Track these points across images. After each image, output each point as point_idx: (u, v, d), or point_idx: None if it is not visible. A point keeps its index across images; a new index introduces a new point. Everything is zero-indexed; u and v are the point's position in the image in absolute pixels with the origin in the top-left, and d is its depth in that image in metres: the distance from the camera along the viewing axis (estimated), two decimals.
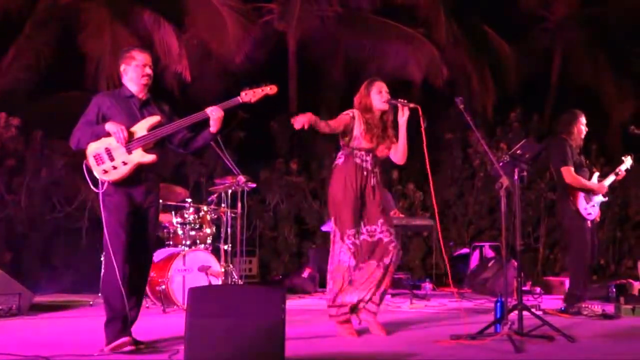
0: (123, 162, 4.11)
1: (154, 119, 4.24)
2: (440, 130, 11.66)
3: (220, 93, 11.49)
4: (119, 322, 4.07)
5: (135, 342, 4.17)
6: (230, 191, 6.98)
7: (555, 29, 14.34)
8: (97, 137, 4.14)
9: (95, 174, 4.12)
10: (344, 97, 13.15)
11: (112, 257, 4.05)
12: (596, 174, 6.30)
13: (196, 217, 6.76)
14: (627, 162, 6.45)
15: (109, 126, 4.11)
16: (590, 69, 13.84)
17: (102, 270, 4.07)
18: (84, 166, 4.14)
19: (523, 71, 13.57)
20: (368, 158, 4.86)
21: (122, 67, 4.33)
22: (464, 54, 12.98)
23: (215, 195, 7.16)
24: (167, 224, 6.85)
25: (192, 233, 6.70)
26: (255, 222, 10.48)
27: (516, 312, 4.61)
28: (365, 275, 4.72)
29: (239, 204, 6.80)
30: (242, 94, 4.38)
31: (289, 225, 10.74)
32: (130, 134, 4.13)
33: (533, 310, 5.05)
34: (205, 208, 6.89)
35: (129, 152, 4.12)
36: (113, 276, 4.05)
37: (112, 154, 4.11)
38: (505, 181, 4.64)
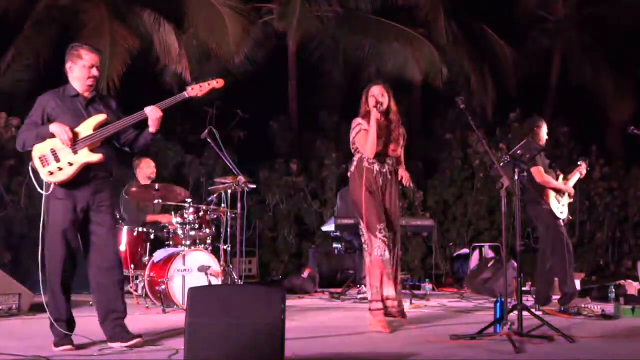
0: (69, 162, 4.09)
1: (100, 117, 4.21)
2: (439, 130, 11.68)
3: (220, 93, 11.50)
4: (64, 325, 4.16)
5: (133, 337, 4.20)
6: (230, 191, 6.98)
7: (555, 29, 14.34)
8: (43, 139, 4.11)
9: (42, 176, 4.09)
10: (344, 97, 13.19)
11: (47, 264, 4.14)
12: (561, 177, 6.61)
13: (196, 217, 6.76)
14: (583, 166, 6.86)
15: (54, 127, 4.09)
16: (590, 70, 13.82)
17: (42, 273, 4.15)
18: (29, 168, 4.13)
19: (523, 71, 13.56)
20: (375, 161, 5.01)
21: (69, 65, 4.26)
22: (463, 54, 12.97)
23: (215, 196, 7.16)
24: (167, 224, 6.86)
25: (192, 233, 6.70)
26: (255, 222, 10.48)
27: (516, 312, 4.61)
28: (395, 268, 5.04)
29: (239, 204, 6.80)
30: (189, 88, 4.37)
31: (288, 225, 10.74)
32: (76, 135, 4.10)
33: (533, 310, 5.05)
34: (204, 208, 6.88)
35: (75, 152, 4.10)
36: (52, 281, 4.16)
37: (58, 155, 4.09)
38: (505, 182, 4.65)
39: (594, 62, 13.78)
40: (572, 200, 6.66)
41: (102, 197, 4.24)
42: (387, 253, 4.90)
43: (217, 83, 4.41)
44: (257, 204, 10.58)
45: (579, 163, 6.92)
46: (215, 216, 7.03)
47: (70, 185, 4.12)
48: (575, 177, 6.72)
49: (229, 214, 7.02)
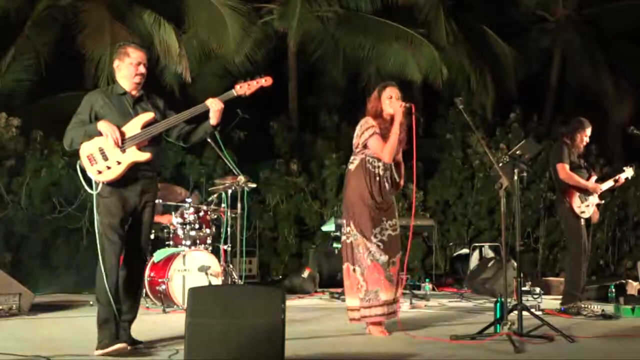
0: (117, 161, 4.06)
1: (147, 116, 4.17)
2: (439, 130, 11.67)
3: (220, 93, 11.49)
4: (113, 326, 4.03)
5: (134, 342, 4.18)
6: (230, 191, 6.98)
7: (555, 29, 14.34)
8: (90, 137, 4.08)
9: (90, 174, 4.06)
10: (344, 97, 13.18)
11: (103, 262, 4.00)
12: (594, 178, 6.40)
13: (196, 217, 6.76)
14: (628, 172, 6.57)
15: (102, 126, 4.05)
16: (590, 70, 13.82)
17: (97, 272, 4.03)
18: (77, 167, 4.10)
19: (522, 72, 13.56)
20: (380, 164, 4.91)
21: (116, 64, 4.26)
22: (463, 54, 12.96)
23: (216, 195, 7.16)
24: (167, 224, 6.85)
25: (192, 233, 6.70)
26: (255, 222, 10.48)
27: (516, 312, 4.61)
28: (397, 270, 4.86)
29: (239, 204, 6.80)
30: (237, 86, 4.34)
31: (288, 225, 10.73)
32: (123, 133, 4.07)
33: (532, 310, 5.05)
34: (205, 208, 6.89)
35: (123, 151, 4.06)
36: (106, 280, 4.02)
37: (106, 154, 4.05)
38: (505, 182, 4.65)
39: (594, 62, 13.78)
40: (601, 201, 6.45)
41: (148, 198, 4.22)
42: (382, 257, 4.78)
43: (266, 81, 4.36)
44: (257, 204, 10.57)
45: (624, 169, 6.61)
46: (215, 216, 7.04)
47: (118, 184, 4.08)
48: (608, 183, 6.48)
49: (229, 213, 7.02)
